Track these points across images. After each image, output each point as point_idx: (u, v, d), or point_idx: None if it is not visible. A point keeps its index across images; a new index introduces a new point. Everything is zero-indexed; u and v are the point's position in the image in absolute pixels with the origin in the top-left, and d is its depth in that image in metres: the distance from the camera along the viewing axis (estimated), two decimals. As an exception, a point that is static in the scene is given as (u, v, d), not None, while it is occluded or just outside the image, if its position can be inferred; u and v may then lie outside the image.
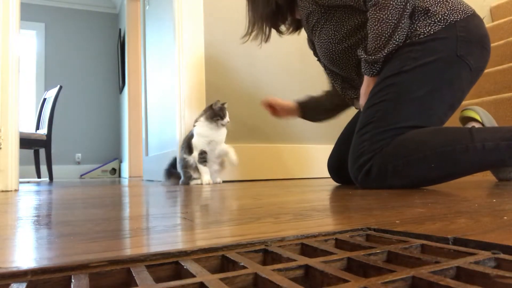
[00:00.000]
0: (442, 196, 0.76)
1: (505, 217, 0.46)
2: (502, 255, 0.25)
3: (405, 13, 1.04)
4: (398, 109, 1.04)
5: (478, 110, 1.25)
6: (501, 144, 0.95)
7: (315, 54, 1.43)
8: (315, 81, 2.20)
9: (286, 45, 2.17)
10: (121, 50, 4.71)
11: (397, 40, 1.06)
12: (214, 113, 1.65)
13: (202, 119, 1.68)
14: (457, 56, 1.05)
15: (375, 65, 1.10)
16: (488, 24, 2.72)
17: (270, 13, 1.32)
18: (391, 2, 1.03)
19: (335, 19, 1.19)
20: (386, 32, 1.05)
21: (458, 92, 1.09)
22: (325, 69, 1.40)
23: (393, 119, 1.03)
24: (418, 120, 1.04)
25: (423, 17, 1.09)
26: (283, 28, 1.42)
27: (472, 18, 1.09)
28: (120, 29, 5.04)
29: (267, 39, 1.37)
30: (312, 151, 2.19)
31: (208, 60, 2.01)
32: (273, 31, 1.41)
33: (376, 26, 1.06)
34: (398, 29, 1.05)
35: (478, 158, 0.96)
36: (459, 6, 1.09)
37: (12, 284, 0.22)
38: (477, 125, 1.23)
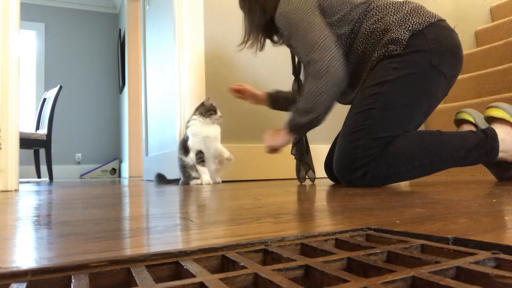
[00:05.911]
0: (442, 196, 0.76)
1: (505, 217, 0.46)
2: (502, 255, 0.25)
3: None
4: (387, 118, 1.13)
5: (471, 112, 1.29)
6: (470, 155, 1.12)
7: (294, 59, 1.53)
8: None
9: (286, 45, 2.17)
10: (121, 50, 4.71)
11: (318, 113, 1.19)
12: (207, 108, 1.68)
13: (195, 116, 1.69)
14: (433, 66, 1.13)
15: (298, 130, 1.24)
16: (488, 24, 2.72)
17: (265, 24, 1.38)
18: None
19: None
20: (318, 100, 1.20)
21: (434, 100, 1.18)
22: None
23: (383, 127, 1.13)
24: (402, 128, 1.14)
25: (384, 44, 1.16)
26: (276, 38, 1.48)
27: (442, 29, 1.16)
28: (120, 29, 5.04)
29: (261, 47, 1.45)
30: (312, 151, 2.19)
31: (208, 59, 2.01)
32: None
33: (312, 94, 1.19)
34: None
35: (455, 164, 1.14)
36: (419, 19, 1.15)
37: (12, 284, 0.22)
38: (470, 127, 1.28)
